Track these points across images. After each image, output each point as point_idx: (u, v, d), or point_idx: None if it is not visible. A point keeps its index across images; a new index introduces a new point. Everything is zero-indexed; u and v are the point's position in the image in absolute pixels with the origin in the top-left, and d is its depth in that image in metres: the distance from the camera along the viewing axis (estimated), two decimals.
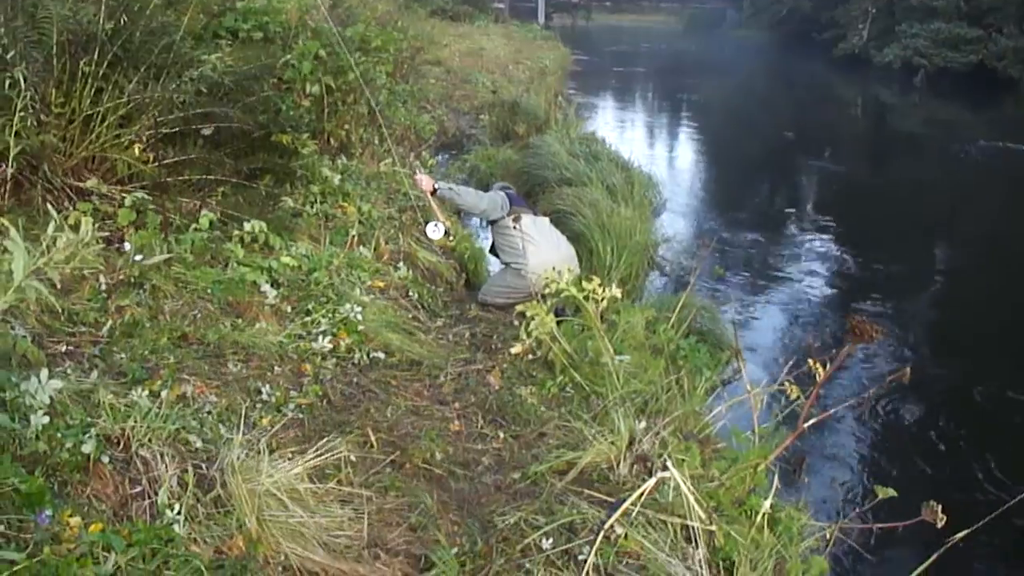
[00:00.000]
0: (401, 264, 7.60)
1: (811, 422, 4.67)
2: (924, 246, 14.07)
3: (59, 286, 4.45)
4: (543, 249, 7.87)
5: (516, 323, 6.69)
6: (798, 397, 4.77)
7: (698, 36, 71.51)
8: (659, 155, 20.89)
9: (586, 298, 5.89)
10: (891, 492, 4.23)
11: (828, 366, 4.52)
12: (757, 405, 5.02)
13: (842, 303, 10.73)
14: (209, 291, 5.81)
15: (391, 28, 12.06)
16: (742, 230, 13.95)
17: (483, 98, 19.88)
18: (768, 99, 35.24)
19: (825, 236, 13.99)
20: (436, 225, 7.95)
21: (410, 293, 7.19)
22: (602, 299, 5.90)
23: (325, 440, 4.50)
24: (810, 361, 4.54)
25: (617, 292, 6.00)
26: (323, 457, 4.34)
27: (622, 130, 23.85)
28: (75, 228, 4.20)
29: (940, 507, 3.89)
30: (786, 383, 4.82)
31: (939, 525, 3.84)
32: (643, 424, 5.02)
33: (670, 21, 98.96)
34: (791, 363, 5.06)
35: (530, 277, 7.65)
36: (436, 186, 7.98)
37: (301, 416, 4.97)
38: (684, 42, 60.57)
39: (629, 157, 14.84)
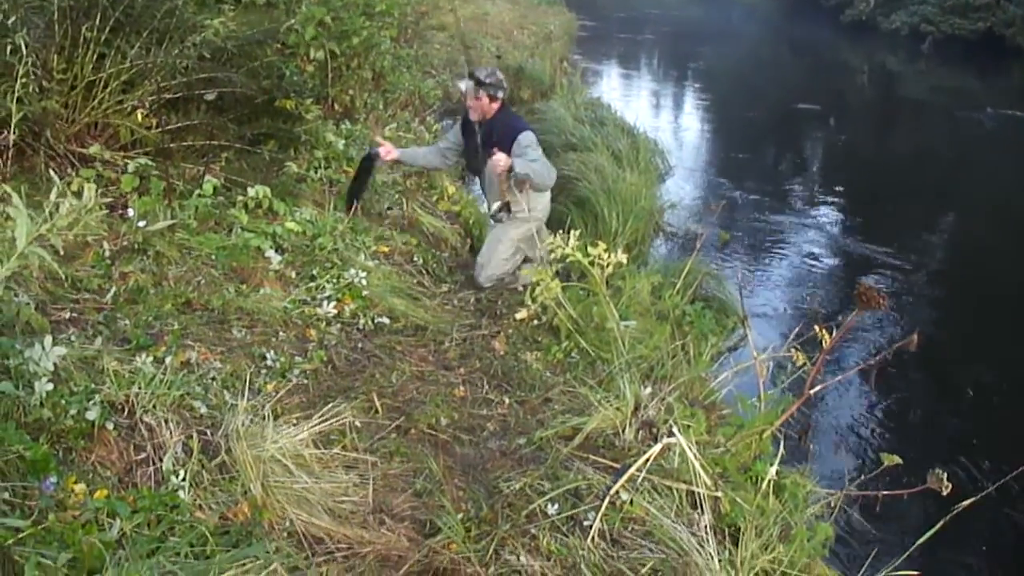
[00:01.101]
0: (406, 228, 7.59)
1: (817, 389, 4.66)
2: (931, 214, 14.04)
3: (62, 253, 4.45)
4: None
5: (521, 289, 6.67)
6: (804, 364, 4.76)
7: (704, 2, 71.19)
8: (665, 121, 20.84)
9: (591, 263, 5.87)
10: (897, 460, 4.22)
11: (834, 333, 4.50)
12: (763, 372, 5.01)
13: (848, 270, 10.71)
14: (213, 257, 5.80)
15: None
16: (748, 197, 13.93)
17: (488, 63, 19.81)
18: (775, 65, 35.14)
19: (831, 203, 13.97)
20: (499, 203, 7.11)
21: (415, 258, 7.16)
22: (608, 264, 5.88)
23: (330, 406, 4.49)
24: (816, 327, 4.53)
25: (623, 257, 5.97)
26: (328, 423, 4.34)
27: (628, 96, 23.76)
28: (78, 194, 4.18)
29: (945, 475, 3.88)
30: (792, 350, 4.81)
31: (944, 493, 3.83)
32: (648, 390, 5.00)
33: None
34: (797, 329, 5.05)
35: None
36: (513, 165, 6.71)
37: (306, 382, 4.97)
38: (691, 7, 60.13)
39: (635, 123, 14.77)
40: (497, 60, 18.91)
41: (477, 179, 7.72)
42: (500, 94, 6.98)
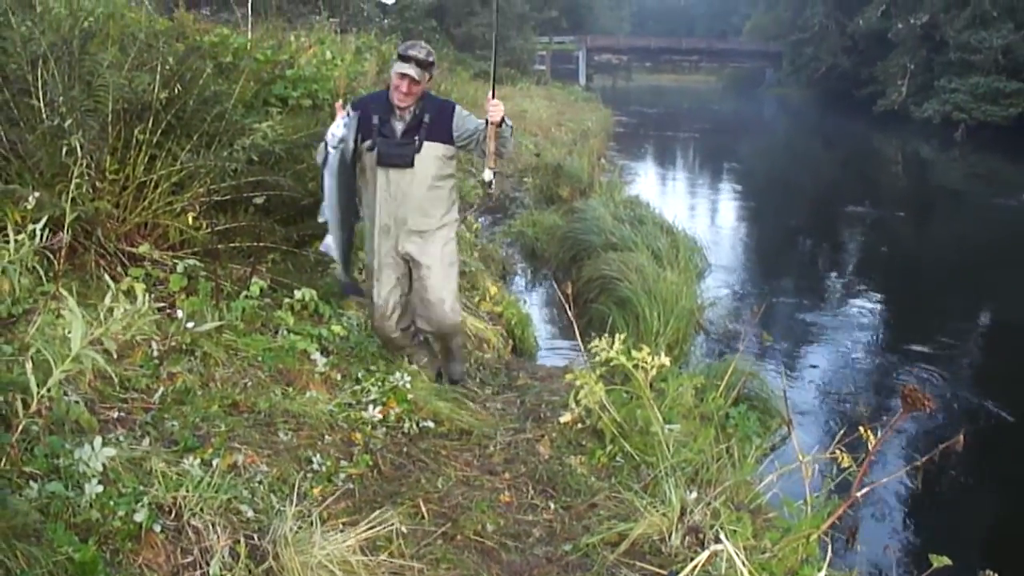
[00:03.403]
0: None
1: (864, 491, 4.62)
2: (972, 305, 13.96)
3: (115, 355, 4.50)
4: None
5: (564, 392, 6.67)
6: (850, 465, 4.73)
7: (737, 95, 71.77)
8: (702, 217, 20.92)
9: (635, 366, 5.87)
10: (946, 560, 4.17)
11: (879, 434, 4.48)
12: (808, 473, 4.97)
13: (890, 367, 10.64)
14: (259, 359, 5.85)
15: (437, 93, 12.16)
16: (787, 292, 13.93)
17: (527, 161, 19.99)
18: (809, 157, 35.30)
19: (871, 297, 13.92)
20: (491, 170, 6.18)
21: None
22: (651, 368, 5.88)
23: (377, 512, 4.50)
24: (861, 428, 4.51)
25: (666, 360, 5.97)
26: (375, 529, 4.33)
27: (665, 192, 23.92)
28: (128, 294, 4.25)
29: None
30: (837, 451, 4.78)
31: None
32: (694, 494, 4.98)
33: (709, 81, 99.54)
34: (842, 431, 5.02)
35: None
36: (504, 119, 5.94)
37: (352, 486, 4.98)
38: (724, 101, 60.78)
39: (673, 220, 14.85)
40: (536, 157, 19.08)
41: (377, 182, 6.10)
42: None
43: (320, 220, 5.96)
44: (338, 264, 6.16)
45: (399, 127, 6.00)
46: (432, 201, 6.14)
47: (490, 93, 5.98)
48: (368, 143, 5.99)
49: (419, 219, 6.12)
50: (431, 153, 5.99)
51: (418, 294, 6.30)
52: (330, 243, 6.01)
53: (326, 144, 5.78)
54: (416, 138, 5.96)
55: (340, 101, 5.92)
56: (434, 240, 6.20)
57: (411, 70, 5.85)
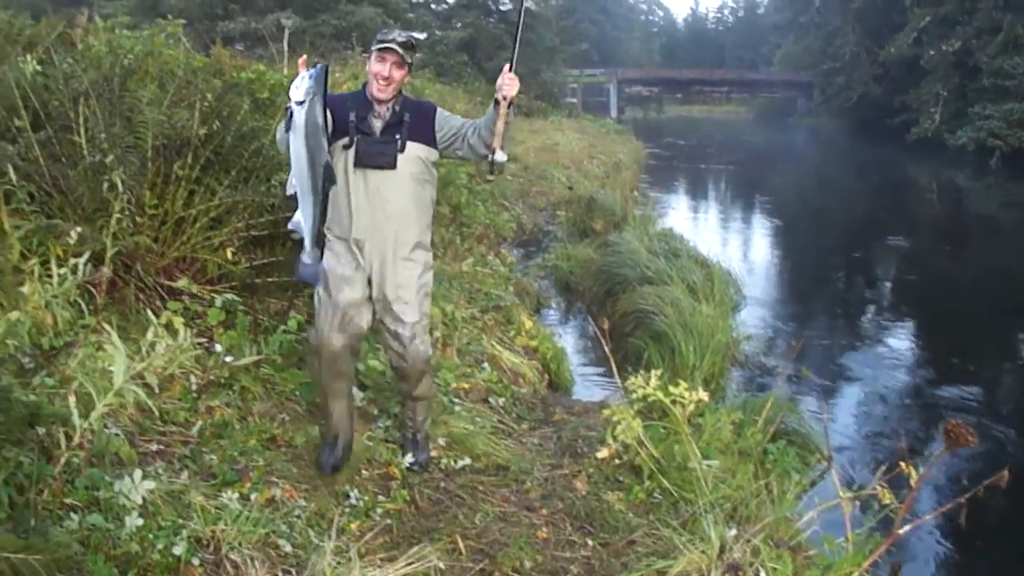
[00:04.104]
0: (485, 365, 7.62)
1: (906, 528, 4.58)
2: (1012, 337, 13.80)
3: (157, 391, 4.53)
4: None
5: (601, 427, 6.65)
6: (891, 502, 4.69)
7: (769, 126, 71.66)
8: (736, 249, 20.85)
9: (673, 402, 5.85)
10: None
11: (921, 470, 4.45)
12: (849, 510, 4.94)
13: (930, 400, 10.53)
14: (297, 393, 5.90)
15: None
16: (823, 325, 13.87)
17: (559, 194, 20.05)
18: (842, 188, 35.18)
19: (908, 329, 13.85)
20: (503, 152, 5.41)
21: (495, 395, 7.21)
22: (689, 403, 5.85)
23: (415, 548, 4.50)
24: (902, 464, 4.48)
25: (704, 395, 5.95)
26: (413, 565, 4.35)
27: (698, 224, 23.86)
28: (167, 327, 4.29)
29: None
30: (878, 487, 4.75)
31: None
32: (733, 531, 4.95)
33: (740, 111, 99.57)
34: (883, 466, 4.98)
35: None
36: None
37: (389, 521, 5.01)
38: (755, 132, 60.71)
39: (707, 253, 14.85)
40: (569, 191, 19.12)
41: (352, 186, 5.28)
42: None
43: (288, 193, 5.01)
44: (307, 240, 5.01)
45: (378, 125, 5.28)
46: (413, 210, 5.40)
47: (507, 66, 5.27)
48: (345, 140, 5.20)
49: (399, 230, 5.34)
50: (414, 154, 5.30)
51: (388, 327, 5.47)
52: (299, 220, 4.97)
53: (289, 107, 4.83)
54: (398, 136, 5.26)
55: (304, 57, 4.98)
56: (412, 264, 5.43)
57: (395, 47, 5.17)
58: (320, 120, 4.82)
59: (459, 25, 50.21)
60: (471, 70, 46.06)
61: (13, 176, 5.80)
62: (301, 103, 4.75)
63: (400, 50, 5.18)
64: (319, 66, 4.87)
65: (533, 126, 34.74)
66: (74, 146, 6.18)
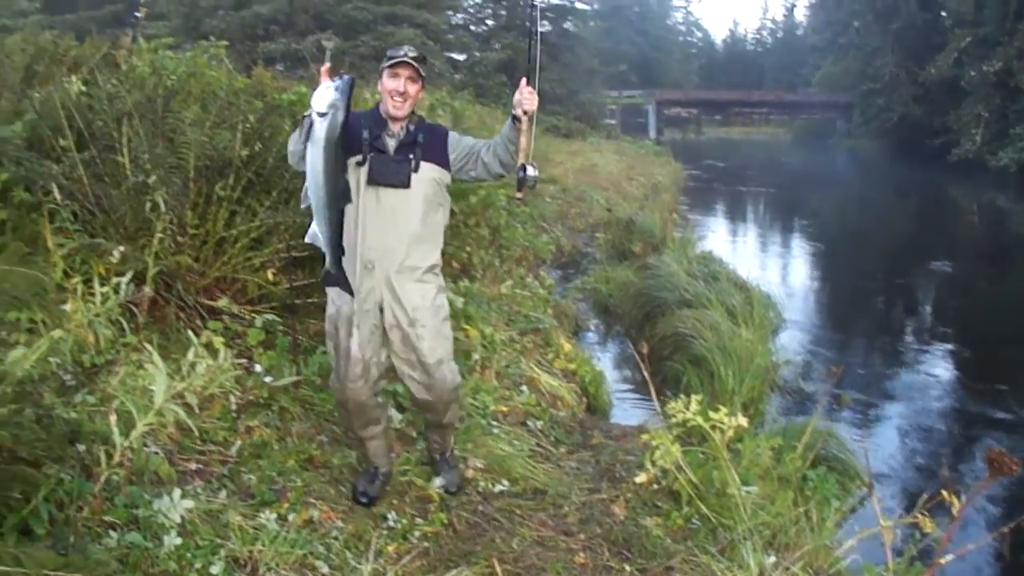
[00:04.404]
0: (524, 388, 7.61)
1: (948, 558, 4.54)
2: None
3: (197, 410, 4.55)
4: None
5: (639, 451, 6.62)
6: (933, 531, 4.65)
7: (808, 147, 71.34)
8: (775, 272, 20.74)
9: (712, 427, 5.82)
10: None
11: (964, 498, 4.40)
12: (890, 538, 4.90)
13: (972, 426, 10.42)
14: (335, 414, 5.88)
15: None
16: (863, 349, 13.78)
17: (598, 216, 20.04)
18: (883, 210, 34.95)
19: (950, 354, 13.69)
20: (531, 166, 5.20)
21: (533, 418, 7.20)
22: (729, 428, 5.82)
23: (452, 572, 4.50)
24: (944, 492, 4.43)
25: (743, 421, 5.91)
26: None
27: (737, 247, 23.77)
28: (208, 347, 4.31)
29: None
30: (919, 515, 4.71)
31: None
32: (772, 558, 4.93)
33: (779, 133, 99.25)
34: (924, 495, 4.94)
35: None
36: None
37: (427, 544, 5.00)
38: (794, 153, 60.47)
39: (746, 276, 14.81)
40: (608, 212, 19.10)
41: (364, 204, 5.08)
42: None
43: (303, 206, 4.89)
44: (328, 256, 4.88)
45: (391, 143, 5.13)
46: (426, 232, 5.20)
47: (524, 79, 5.08)
48: (358, 158, 5.03)
49: (411, 250, 5.13)
50: (428, 175, 5.15)
51: (406, 357, 5.21)
52: (315, 232, 4.85)
53: (309, 115, 4.66)
54: (412, 156, 5.11)
55: (327, 65, 4.86)
56: (425, 286, 5.21)
57: (408, 61, 5.03)
58: (339, 136, 4.63)
59: (498, 46, 50.46)
60: (510, 91, 46.18)
61: (57, 195, 5.87)
62: (323, 115, 4.57)
63: (414, 63, 5.05)
64: (346, 78, 4.68)
65: (572, 147, 34.78)
66: (117, 166, 6.25)
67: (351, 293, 5.01)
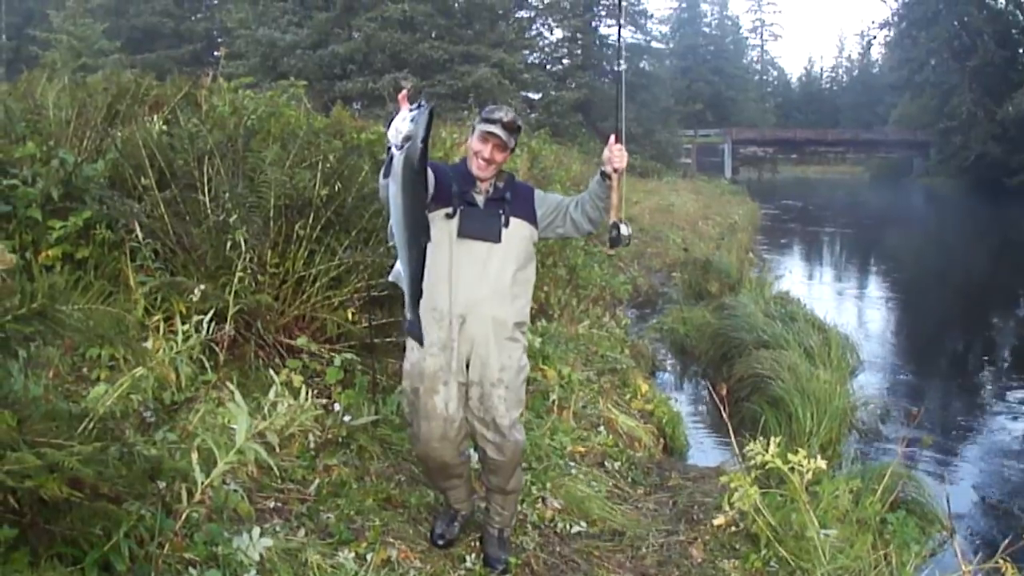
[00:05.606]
0: (601, 428, 7.58)
1: None
2: None
3: (277, 450, 4.58)
4: None
5: (717, 493, 6.57)
6: None
7: (885, 186, 70.57)
8: (852, 312, 20.49)
9: (791, 469, 5.76)
10: None
11: None
12: None
13: None
14: (413, 454, 5.89)
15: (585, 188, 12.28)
16: (943, 391, 13.55)
17: (675, 255, 19.98)
18: (961, 250, 34.44)
19: None
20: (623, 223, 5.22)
21: (611, 459, 7.16)
22: (807, 471, 5.76)
23: None
24: None
25: (822, 463, 5.84)
26: None
27: (814, 287, 23.53)
28: (287, 385, 4.34)
29: None
30: (1001, 560, 4.62)
31: None
32: None
33: (856, 171, 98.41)
34: (1006, 539, 4.85)
35: None
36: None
37: None
38: (871, 192, 59.90)
39: (824, 316, 14.66)
40: (684, 252, 19.04)
41: (454, 256, 4.94)
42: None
43: (390, 243, 4.80)
44: (407, 298, 4.70)
45: (480, 199, 5.04)
46: (517, 288, 5.06)
47: (613, 136, 5.03)
48: (448, 210, 4.92)
49: (501, 306, 4.97)
50: (519, 231, 5.04)
51: (481, 416, 5.02)
52: (399, 270, 4.65)
53: (390, 148, 4.44)
54: (501, 212, 5.01)
55: (405, 91, 4.61)
56: (513, 345, 5.07)
57: (498, 130, 4.93)
58: (418, 168, 4.41)
59: (573, 85, 50.69)
60: (586, 130, 46.30)
61: (139, 233, 5.97)
62: (400, 147, 4.35)
63: (503, 135, 4.94)
64: (424, 107, 4.40)
65: (647, 186, 34.83)
66: (198, 205, 6.34)
67: (421, 343, 4.87)
